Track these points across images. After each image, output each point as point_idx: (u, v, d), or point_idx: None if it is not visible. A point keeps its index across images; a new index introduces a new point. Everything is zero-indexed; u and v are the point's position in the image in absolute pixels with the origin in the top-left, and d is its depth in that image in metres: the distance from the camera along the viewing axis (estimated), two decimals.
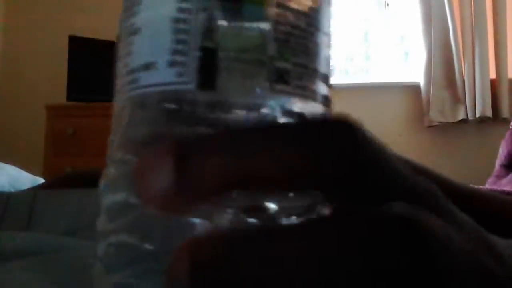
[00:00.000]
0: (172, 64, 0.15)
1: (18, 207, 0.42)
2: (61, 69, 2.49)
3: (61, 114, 2.42)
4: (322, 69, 0.16)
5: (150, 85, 0.15)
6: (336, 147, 0.12)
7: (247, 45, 0.15)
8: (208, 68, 0.15)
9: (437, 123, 2.29)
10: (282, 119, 0.15)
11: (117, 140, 0.17)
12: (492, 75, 2.21)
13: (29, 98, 2.74)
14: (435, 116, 2.28)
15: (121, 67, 0.17)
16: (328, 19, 0.17)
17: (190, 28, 0.15)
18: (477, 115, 2.20)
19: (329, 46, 0.17)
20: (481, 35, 2.20)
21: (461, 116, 2.26)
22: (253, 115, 0.15)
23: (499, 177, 1.65)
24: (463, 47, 2.25)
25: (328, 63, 0.17)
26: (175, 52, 0.15)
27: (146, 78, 0.15)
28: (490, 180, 1.68)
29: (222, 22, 0.15)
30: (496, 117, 2.21)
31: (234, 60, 0.15)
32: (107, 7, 2.68)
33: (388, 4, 2.58)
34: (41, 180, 0.82)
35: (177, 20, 0.15)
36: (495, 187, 1.50)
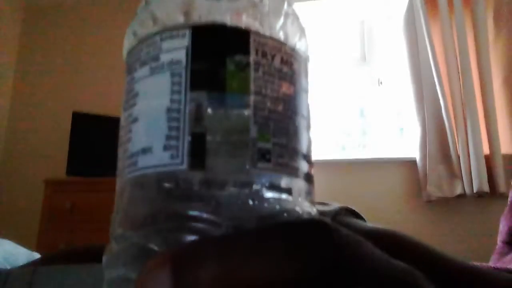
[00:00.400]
0: (166, 148, 0.16)
1: (17, 285, 0.41)
2: (62, 144, 2.53)
3: (60, 189, 2.41)
4: (302, 148, 0.18)
5: (147, 167, 0.17)
6: (317, 252, 0.13)
7: (232, 129, 0.17)
8: (198, 151, 0.16)
9: (435, 198, 2.28)
10: (267, 194, 0.16)
11: (119, 218, 0.18)
12: (486, 150, 2.25)
13: (29, 171, 2.75)
14: (433, 191, 2.28)
15: (121, 152, 0.18)
16: (305, 104, 0.19)
17: (181, 116, 0.17)
18: (475, 190, 2.21)
19: (308, 127, 0.19)
20: (471, 112, 2.27)
21: (458, 191, 2.26)
22: (244, 191, 0.16)
23: (502, 254, 1.62)
24: (455, 123, 2.31)
25: (308, 143, 0.19)
26: (169, 137, 0.16)
27: (144, 161, 0.17)
28: (493, 257, 1.64)
29: (209, 110, 0.16)
30: (493, 192, 2.21)
31: (220, 142, 0.16)
32: (110, 84, 2.80)
33: (381, 82, 2.69)
34: (37, 255, 0.80)
35: (169, 110, 0.17)
36: (498, 264, 1.46)
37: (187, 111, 0.17)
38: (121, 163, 0.18)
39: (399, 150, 2.58)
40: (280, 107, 0.18)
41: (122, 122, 0.19)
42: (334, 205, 0.33)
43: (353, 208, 0.34)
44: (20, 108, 2.98)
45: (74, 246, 0.54)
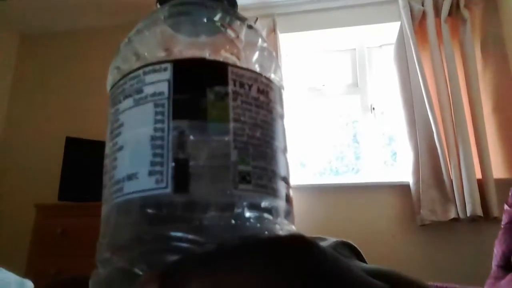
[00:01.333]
0: (151, 173, 0.17)
1: None
2: (55, 169, 2.51)
3: (51, 213, 2.38)
4: (280, 170, 0.19)
5: (133, 192, 0.17)
6: (297, 266, 0.14)
7: (213, 154, 0.17)
8: (182, 175, 0.17)
9: (429, 222, 2.28)
10: (248, 214, 0.17)
11: (105, 242, 0.18)
12: (478, 175, 2.27)
13: (20, 196, 2.72)
14: (426, 215, 2.28)
15: (107, 180, 0.19)
16: (281, 129, 0.20)
17: (165, 143, 0.17)
18: (468, 214, 2.21)
19: (284, 151, 0.20)
20: (463, 137, 2.30)
21: (452, 215, 2.26)
22: (226, 212, 0.17)
23: (497, 278, 1.61)
24: (447, 148, 2.34)
25: (286, 166, 0.20)
26: (153, 163, 0.17)
27: (129, 186, 0.17)
28: (488, 281, 1.64)
29: (191, 137, 0.17)
30: (487, 216, 2.21)
31: (203, 167, 0.17)
32: (104, 110, 2.80)
33: (373, 108, 2.72)
34: (29, 282, 0.79)
35: (153, 138, 0.18)
36: None
37: (170, 138, 0.17)
38: (107, 190, 0.19)
39: (392, 174, 2.60)
40: (258, 133, 0.19)
41: (107, 151, 0.20)
42: (331, 239, 0.33)
43: (351, 242, 0.34)
44: (14, 132, 2.97)
45: (69, 276, 0.53)
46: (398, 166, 2.62)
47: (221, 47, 0.20)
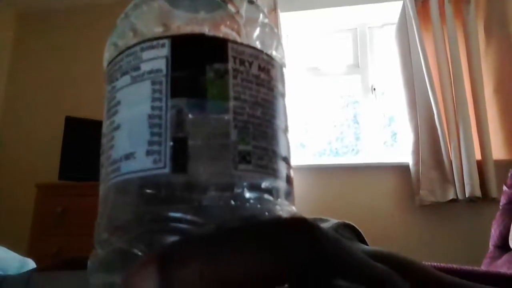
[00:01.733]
0: (149, 153, 0.17)
1: None
2: (55, 149, 2.52)
3: (52, 193, 2.39)
4: (280, 150, 0.19)
5: (130, 172, 0.17)
6: (299, 247, 0.14)
7: (213, 133, 0.17)
8: (180, 155, 0.16)
9: (428, 203, 2.30)
10: (248, 194, 0.17)
11: (103, 223, 0.18)
12: (478, 156, 2.28)
13: (21, 176, 2.73)
14: (425, 196, 2.30)
15: (104, 159, 0.19)
16: (283, 108, 0.20)
17: (163, 122, 0.17)
18: (467, 195, 2.22)
19: (285, 131, 0.20)
20: (463, 118, 2.29)
21: (451, 196, 2.28)
22: (226, 193, 0.16)
23: (494, 258, 1.63)
24: (448, 129, 2.33)
25: (287, 146, 0.19)
26: (151, 143, 0.17)
27: (127, 166, 0.17)
28: (485, 261, 1.66)
29: (190, 116, 0.17)
30: (485, 197, 2.23)
31: (202, 146, 0.17)
32: (103, 89, 2.79)
33: (374, 89, 2.71)
34: (30, 261, 0.79)
35: (151, 116, 0.17)
36: (490, 268, 1.48)
37: (168, 117, 0.17)
38: (104, 169, 0.19)
39: (392, 155, 2.60)
40: (258, 112, 0.18)
41: (104, 130, 0.19)
42: (333, 221, 0.33)
43: (352, 223, 0.35)
44: (13, 112, 2.97)
45: (72, 256, 0.54)
46: (398, 147, 2.63)
47: (221, 23, 0.19)
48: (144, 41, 0.18)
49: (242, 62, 0.18)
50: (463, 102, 2.31)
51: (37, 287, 0.42)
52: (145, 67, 0.18)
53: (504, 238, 1.63)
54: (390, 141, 2.72)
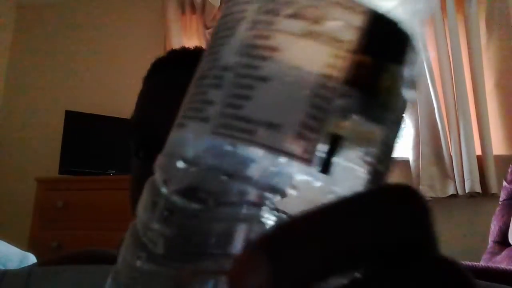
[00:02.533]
0: (299, 136, 0.14)
1: (13, 285, 0.41)
2: (55, 143, 2.52)
3: (52, 187, 2.40)
4: None
5: (269, 147, 0.14)
6: (411, 216, 0.13)
7: (364, 140, 0.15)
8: (329, 154, 0.14)
9: (428, 198, 2.30)
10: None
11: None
12: (478, 151, 2.27)
13: (21, 170, 2.73)
14: (425, 191, 2.30)
15: (221, 96, 0.15)
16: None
17: (329, 108, 0.14)
18: (467, 191, 2.22)
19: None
20: (464, 114, 2.29)
21: (451, 191, 2.28)
22: None
23: (494, 253, 1.64)
24: (448, 125, 2.33)
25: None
26: (305, 126, 0.14)
27: (265, 137, 0.14)
28: (484, 256, 1.66)
29: (355, 116, 0.14)
30: (485, 193, 2.23)
31: (349, 150, 0.14)
32: (103, 83, 2.79)
33: None
34: (31, 256, 0.80)
35: (316, 95, 0.14)
36: (490, 264, 1.48)
37: (333, 105, 0.14)
38: (214, 109, 0.14)
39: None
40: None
41: (232, 61, 0.15)
42: None
43: None
44: (13, 106, 2.96)
45: (73, 251, 0.54)
46: (398, 142, 2.62)
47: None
48: None
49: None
50: (463, 97, 2.31)
51: (38, 282, 0.42)
52: (329, 26, 0.14)
53: (504, 234, 1.64)
54: None
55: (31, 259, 0.81)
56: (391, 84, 0.15)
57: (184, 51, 0.52)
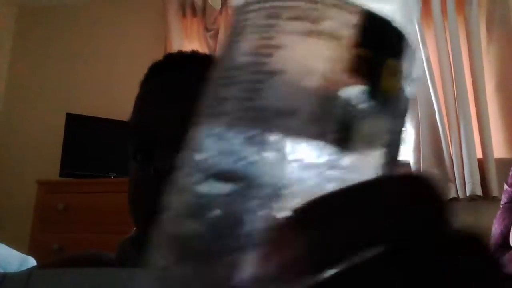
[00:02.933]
0: (312, 120, 0.14)
1: (12, 287, 0.41)
2: (56, 145, 2.52)
3: (53, 190, 2.39)
4: None
5: (282, 129, 0.14)
6: (428, 204, 0.14)
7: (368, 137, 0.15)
8: (340, 142, 0.14)
9: None
10: None
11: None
12: (479, 154, 2.27)
13: (22, 172, 2.73)
14: None
15: (234, 92, 0.15)
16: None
17: (335, 96, 0.15)
18: (468, 194, 2.22)
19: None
20: (465, 116, 2.29)
21: (452, 194, 2.27)
22: None
23: None
24: (449, 127, 2.33)
25: None
26: (313, 113, 0.14)
27: (280, 123, 0.14)
28: None
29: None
30: (486, 196, 2.22)
31: (358, 138, 0.15)
32: (104, 86, 2.79)
33: None
34: (31, 259, 0.79)
35: (323, 88, 0.15)
36: None
37: (341, 98, 0.15)
38: (231, 104, 0.15)
39: None
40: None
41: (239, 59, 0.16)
42: None
43: None
44: (14, 108, 2.96)
45: (75, 254, 0.54)
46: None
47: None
48: None
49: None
50: (464, 100, 2.31)
51: (37, 285, 0.42)
52: (326, 25, 0.16)
53: (504, 237, 1.63)
54: None
55: (31, 262, 0.80)
56: (390, 75, 0.16)
57: (180, 54, 0.53)
